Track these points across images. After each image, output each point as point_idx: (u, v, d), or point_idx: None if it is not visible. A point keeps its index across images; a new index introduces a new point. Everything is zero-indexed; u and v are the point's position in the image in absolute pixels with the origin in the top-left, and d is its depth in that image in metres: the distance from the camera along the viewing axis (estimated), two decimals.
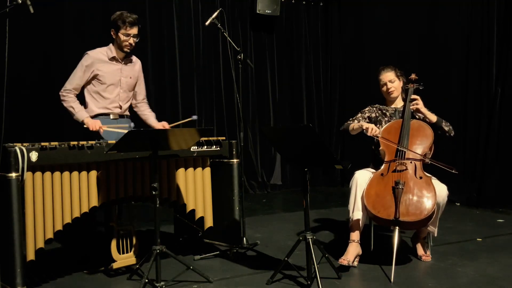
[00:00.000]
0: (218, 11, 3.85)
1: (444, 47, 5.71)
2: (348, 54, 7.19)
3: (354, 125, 3.45)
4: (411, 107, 3.36)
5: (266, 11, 6.66)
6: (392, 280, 2.89)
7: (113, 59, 3.50)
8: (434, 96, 5.52)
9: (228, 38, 3.86)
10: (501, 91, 5.11)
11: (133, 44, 3.49)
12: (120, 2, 5.34)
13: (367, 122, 3.49)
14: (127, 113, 3.67)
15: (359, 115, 3.57)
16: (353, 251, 3.14)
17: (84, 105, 3.50)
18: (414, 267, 3.21)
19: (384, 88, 3.51)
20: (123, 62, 3.56)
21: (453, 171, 3.07)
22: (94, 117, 3.46)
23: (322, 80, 7.44)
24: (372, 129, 3.28)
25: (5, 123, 4.82)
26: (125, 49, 3.49)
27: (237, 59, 3.82)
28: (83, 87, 3.51)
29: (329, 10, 7.39)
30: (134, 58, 3.66)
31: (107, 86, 3.49)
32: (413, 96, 3.38)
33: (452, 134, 3.42)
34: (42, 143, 2.74)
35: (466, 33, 5.51)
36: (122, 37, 3.44)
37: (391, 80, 3.48)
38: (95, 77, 3.47)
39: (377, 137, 3.29)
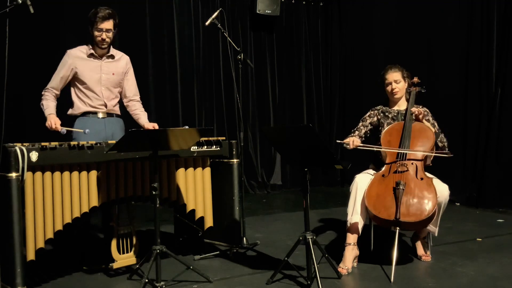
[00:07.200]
0: (218, 11, 3.85)
1: (444, 48, 5.71)
2: (348, 54, 7.19)
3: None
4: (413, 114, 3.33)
5: (266, 11, 6.66)
6: (392, 280, 2.89)
7: (91, 56, 3.42)
8: (434, 96, 5.53)
9: (228, 38, 3.86)
10: (501, 91, 5.11)
11: (107, 39, 3.37)
12: (120, 3, 5.35)
13: (370, 129, 3.49)
14: (117, 111, 3.58)
15: (360, 124, 3.53)
16: (349, 256, 3.14)
17: (71, 105, 3.45)
18: (414, 267, 3.21)
19: (389, 88, 3.47)
20: (103, 59, 3.46)
21: (449, 155, 3.14)
22: (82, 115, 3.41)
23: (322, 80, 7.45)
24: (353, 142, 3.26)
25: (5, 123, 4.81)
26: (100, 45, 3.39)
27: (237, 59, 3.82)
28: (68, 87, 3.45)
29: (329, 10, 7.40)
30: (119, 54, 3.56)
31: (88, 84, 3.41)
32: (415, 112, 3.33)
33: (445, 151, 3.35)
34: (42, 143, 2.74)
35: (466, 34, 5.50)
36: (95, 33, 3.35)
37: (396, 80, 3.44)
38: (74, 75, 3.40)
39: (379, 148, 3.27)
